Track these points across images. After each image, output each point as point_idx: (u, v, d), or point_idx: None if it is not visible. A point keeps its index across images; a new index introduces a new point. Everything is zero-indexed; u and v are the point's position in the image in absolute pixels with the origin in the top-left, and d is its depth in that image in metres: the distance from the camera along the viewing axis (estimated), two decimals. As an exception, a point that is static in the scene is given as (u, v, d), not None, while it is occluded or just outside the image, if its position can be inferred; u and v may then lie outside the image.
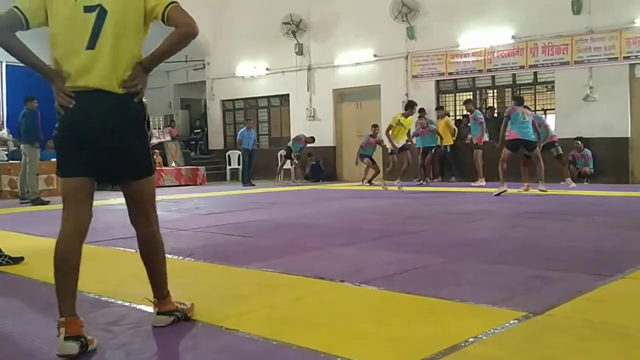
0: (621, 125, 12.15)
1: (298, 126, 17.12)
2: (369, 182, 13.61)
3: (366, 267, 4.26)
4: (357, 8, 15.41)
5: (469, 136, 13.11)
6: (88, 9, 2.55)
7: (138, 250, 2.89)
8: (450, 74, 14.41)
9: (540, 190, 9.90)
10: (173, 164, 16.86)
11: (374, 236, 5.79)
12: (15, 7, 2.58)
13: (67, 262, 2.63)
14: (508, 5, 13.30)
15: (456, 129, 13.95)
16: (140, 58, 2.64)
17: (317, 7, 16.29)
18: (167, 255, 4.88)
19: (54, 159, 13.94)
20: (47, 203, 10.61)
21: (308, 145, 15.88)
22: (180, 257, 4.74)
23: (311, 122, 16.86)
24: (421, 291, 3.44)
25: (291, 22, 16.57)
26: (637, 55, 12.00)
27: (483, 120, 12.58)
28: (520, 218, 6.96)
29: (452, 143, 13.89)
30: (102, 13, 2.55)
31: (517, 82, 13.76)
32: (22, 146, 11.30)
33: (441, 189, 11.80)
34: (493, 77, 14.02)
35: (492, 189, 10.36)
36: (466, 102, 13.18)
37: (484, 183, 12.22)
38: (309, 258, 4.71)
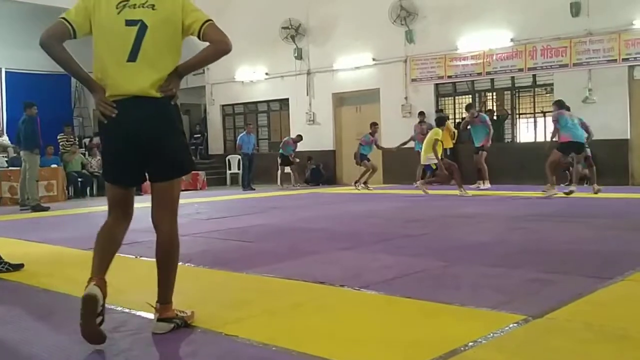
0: (621, 127, 12.15)
1: (298, 130, 17.10)
2: (365, 184, 13.44)
3: (366, 271, 4.26)
4: (355, 12, 15.43)
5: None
6: (130, 23, 2.73)
7: (155, 253, 2.96)
8: (450, 77, 14.42)
9: (596, 191, 10.00)
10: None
11: (373, 240, 5.79)
12: (63, 18, 2.76)
13: (108, 239, 2.91)
14: (506, 8, 13.31)
15: (456, 132, 13.89)
16: (170, 64, 2.81)
17: (315, 11, 16.31)
18: (167, 261, 4.92)
19: (54, 165, 13.96)
20: (47, 209, 10.61)
21: (308, 149, 15.85)
22: (180, 263, 4.69)
23: (311, 126, 16.87)
24: (421, 295, 3.44)
25: (290, 27, 16.59)
26: (636, 57, 12.01)
27: (490, 123, 12.54)
28: (519, 221, 6.96)
29: (451, 146, 13.82)
30: (143, 27, 2.73)
31: (516, 85, 13.76)
32: (21, 153, 11.30)
33: (441, 192, 11.80)
34: (492, 80, 14.02)
35: (497, 192, 10.34)
36: (468, 107, 13.12)
37: (489, 185, 12.19)
38: (308, 262, 4.71)
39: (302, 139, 15.70)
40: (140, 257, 5.18)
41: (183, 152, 2.92)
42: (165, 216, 2.91)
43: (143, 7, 2.75)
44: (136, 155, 2.78)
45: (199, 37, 2.79)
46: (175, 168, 2.89)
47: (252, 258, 5.01)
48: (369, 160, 13.66)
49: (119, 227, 2.94)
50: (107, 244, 2.91)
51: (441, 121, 11.79)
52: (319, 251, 5.21)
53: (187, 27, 2.79)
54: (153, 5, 2.76)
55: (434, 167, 11.77)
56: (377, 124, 13.87)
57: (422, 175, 12.67)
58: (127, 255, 5.26)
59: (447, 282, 3.87)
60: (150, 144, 2.77)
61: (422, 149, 11.65)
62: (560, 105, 10.27)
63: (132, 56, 2.72)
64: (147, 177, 2.90)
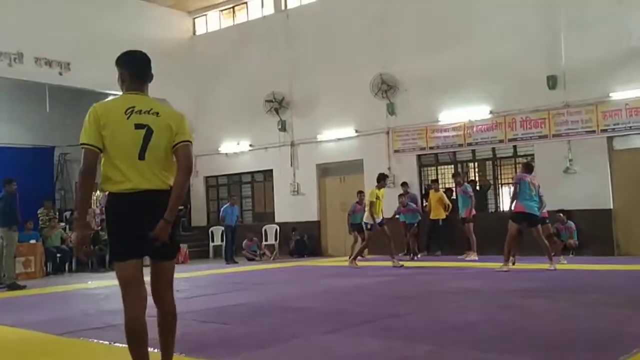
0: (603, 196, 12.22)
1: (282, 201, 17.06)
2: (355, 258, 12.99)
3: (351, 358, 4.07)
4: (337, 85, 15.70)
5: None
6: (138, 127, 3.19)
7: (159, 324, 3.33)
8: (431, 148, 14.56)
9: (551, 268, 9.43)
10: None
11: (359, 320, 5.60)
12: (85, 144, 3.16)
13: (141, 335, 3.20)
14: (485, 81, 13.61)
15: (450, 205, 13.79)
16: (171, 162, 3.30)
17: (298, 85, 16.58)
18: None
19: (33, 240, 13.64)
20: (23, 288, 10.25)
21: (292, 220, 15.67)
22: (153, 349, 4.50)
23: (295, 197, 16.82)
24: (409, 387, 3.25)
25: (274, 100, 16.80)
26: (614, 128, 12.22)
27: (472, 193, 12.59)
28: (507, 297, 6.81)
29: (444, 217, 13.75)
30: (150, 131, 3.20)
31: (498, 155, 13.91)
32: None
33: (426, 264, 11.65)
34: (473, 150, 14.17)
35: (484, 264, 10.20)
36: (455, 175, 13.19)
37: (476, 258, 12.04)
38: (291, 349, 4.50)
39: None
40: (115, 343, 4.92)
41: (177, 236, 3.43)
42: (170, 291, 3.35)
43: (149, 113, 3.23)
44: (144, 236, 3.15)
45: (173, 147, 3.26)
46: (176, 248, 3.39)
47: (232, 343, 4.79)
48: (364, 229, 12.36)
49: (141, 310, 3.18)
50: (140, 337, 3.20)
51: (380, 180, 11.79)
52: (302, 335, 5.01)
53: (176, 135, 3.26)
54: (157, 113, 3.25)
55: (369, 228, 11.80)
56: (362, 192, 13.58)
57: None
58: (100, 341, 5.02)
59: (435, 370, 3.69)
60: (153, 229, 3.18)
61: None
62: (528, 168, 10.14)
63: (142, 155, 3.17)
64: (151, 257, 3.26)
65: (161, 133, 3.22)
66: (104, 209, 3.48)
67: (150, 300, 3.26)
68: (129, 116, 3.19)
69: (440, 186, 14.11)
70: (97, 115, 3.17)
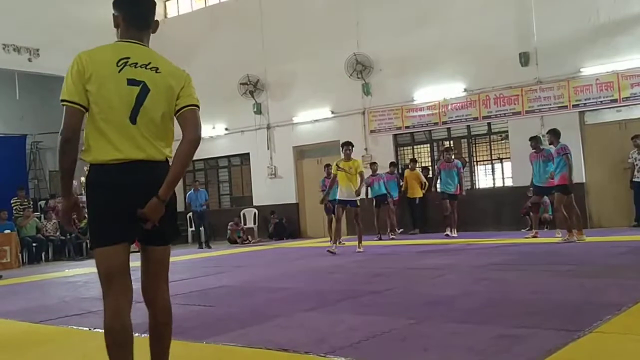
0: (576, 171, 12.36)
1: (259, 184, 17.05)
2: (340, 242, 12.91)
3: (331, 334, 4.12)
4: (312, 67, 15.65)
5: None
6: (132, 82, 2.59)
7: (150, 327, 2.77)
8: (407, 127, 14.64)
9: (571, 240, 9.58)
10: (132, 229, 16.43)
11: (338, 298, 5.66)
12: (66, 101, 2.57)
13: (125, 340, 2.59)
14: (458, 60, 13.69)
15: (427, 183, 13.92)
16: (169, 131, 2.72)
17: (273, 67, 16.49)
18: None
19: (7, 230, 13.50)
20: (0, 277, 10.15)
21: (271, 203, 15.70)
22: (136, 334, 4.50)
23: (272, 179, 16.81)
24: (389, 359, 3.31)
25: (248, 83, 16.71)
26: (585, 103, 12.42)
27: (463, 170, 12.60)
28: (483, 270, 6.93)
29: (421, 195, 13.87)
30: (145, 90, 2.60)
31: (472, 133, 14.04)
32: None
33: (404, 242, 11.77)
34: (449, 129, 14.29)
35: (455, 240, 10.31)
36: (447, 150, 12.70)
37: (456, 234, 12.10)
38: (272, 327, 4.54)
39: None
40: (95, 329, 4.92)
41: (174, 217, 2.80)
42: (163, 285, 2.76)
43: (146, 68, 2.63)
44: (135, 217, 2.57)
45: (176, 112, 2.70)
46: (174, 231, 2.82)
47: (213, 325, 4.80)
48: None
49: (126, 306, 2.61)
50: (124, 343, 2.58)
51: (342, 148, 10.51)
52: (282, 314, 5.04)
53: (179, 99, 2.70)
54: (157, 69, 2.66)
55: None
56: (330, 165, 13.17)
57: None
58: (80, 327, 5.00)
59: (415, 343, 3.76)
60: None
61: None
62: (558, 135, 9.82)
63: (133, 118, 2.58)
64: (142, 242, 2.72)
65: (159, 94, 2.63)
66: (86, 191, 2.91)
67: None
68: (122, 69, 2.58)
69: (417, 165, 14.22)
70: (82, 66, 2.57)
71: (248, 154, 17.49)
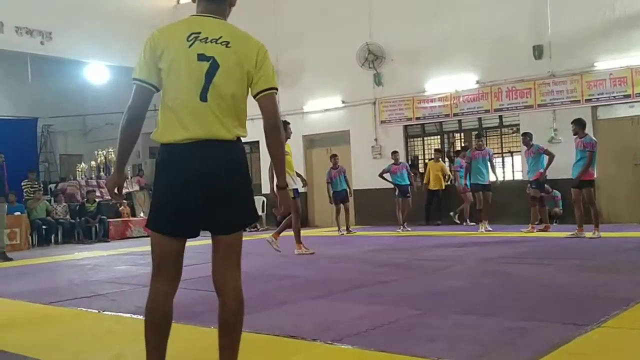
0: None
1: (268, 172, 17.05)
2: (347, 229, 12.99)
3: (338, 322, 4.14)
4: (324, 56, 15.60)
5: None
6: (201, 58, 2.47)
7: (220, 317, 2.70)
8: (418, 118, 14.59)
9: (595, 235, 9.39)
10: (142, 214, 16.55)
11: (345, 287, 5.67)
12: (136, 80, 2.51)
13: (162, 325, 2.57)
14: (471, 51, 13.60)
15: (450, 175, 13.89)
16: (241, 111, 2.59)
17: (284, 55, 16.44)
18: (130, 315, 4.73)
19: (17, 213, 13.51)
20: (10, 259, 10.23)
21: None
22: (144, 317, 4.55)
23: (281, 168, 16.80)
24: (395, 348, 3.33)
25: (259, 70, 16.66)
26: (598, 98, 12.31)
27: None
28: (491, 263, 6.92)
29: (443, 188, 13.85)
30: (215, 66, 2.48)
31: (484, 126, 13.97)
32: None
33: (414, 234, 11.76)
34: (460, 121, 14.23)
35: (458, 232, 10.28)
36: (478, 136, 12.16)
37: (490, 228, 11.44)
38: (279, 314, 4.56)
39: None
40: (104, 311, 4.97)
41: (252, 200, 2.65)
42: (235, 274, 2.65)
43: (216, 42, 2.49)
44: (204, 203, 2.47)
45: (254, 95, 2.59)
46: (249, 216, 2.64)
47: (221, 310, 4.83)
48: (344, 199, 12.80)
49: (170, 294, 2.57)
50: (164, 325, 2.58)
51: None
52: (289, 301, 5.07)
53: (255, 78, 2.57)
54: (227, 43, 2.51)
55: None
56: (336, 155, 13.28)
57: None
58: (89, 310, 5.05)
59: (421, 333, 3.77)
60: (225, 192, 2.50)
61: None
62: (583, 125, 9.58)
63: (203, 95, 2.46)
64: (212, 229, 2.60)
65: (229, 71, 2.49)
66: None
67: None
68: (192, 44, 2.46)
69: (423, 158, 14.17)
70: (155, 43, 2.48)
71: (258, 142, 17.44)
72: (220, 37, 2.51)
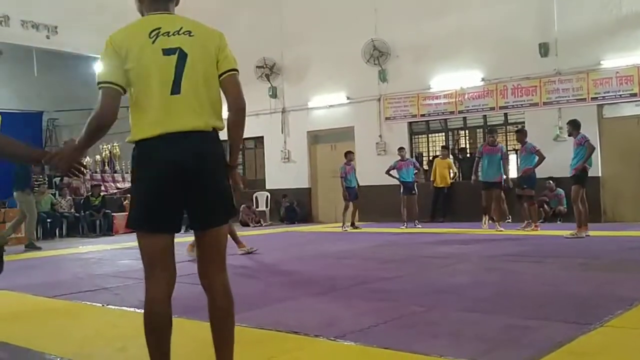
0: (592, 164, 12.27)
1: (273, 168, 17.08)
2: (352, 224, 13.06)
3: (341, 318, 4.14)
4: (329, 51, 15.57)
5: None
6: (167, 52, 2.47)
7: (210, 315, 2.63)
8: (423, 115, 14.56)
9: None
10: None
11: (349, 283, 5.68)
12: (102, 83, 2.46)
13: (162, 328, 2.52)
14: (477, 48, 13.55)
15: (457, 172, 13.89)
16: (214, 96, 2.57)
17: (290, 51, 16.43)
18: (134, 309, 4.74)
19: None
20: (39, 248, 10.75)
21: (283, 187, 15.76)
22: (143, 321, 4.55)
23: (286, 164, 16.83)
24: (398, 345, 3.33)
25: (265, 66, 16.67)
26: (604, 96, 12.26)
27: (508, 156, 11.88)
28: (494, 261, 6.91)
29: (449, 185, 13.83)
30: (182, 56, 2.48)
31: (489, 123, 13.93)
32: (14, 194, 11.20)
33: (412, 230, 11.75)
34: (464, 118, 14.19)
35: (466, 230, 10.28)
36: (491, 131, 12.00)
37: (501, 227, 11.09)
38: (282, 310, 4.57)
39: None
40: (108, 305, 4.99)
41: (231, 193, 2.60)
42: (220, 268, 2.58)
43: (179, 34, 2.50)
44: (184, 197, 2.45)
45: (219, 76, 2.58)
46: (229, 209, 2.59)
47: (224, 305, 4.84)
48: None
49: (167, 296, 2.51)
50: (164, 329, 2.52)
51: None
52: (293, 297, 5.08)
53: (219, 61, 2.57)
54: (190, 32, 2.52)
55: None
56: (352, 152, 13.45)
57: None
58: (93, 303, 5.07)
59: (424, 330, 3.77)
60: (205, 184, 2.46)
61: None
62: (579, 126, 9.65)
63: (176, 88, 2.44)
64: (194, 224, 2.55)
65: (198, 57, 2.50)
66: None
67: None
68: (155, 39, 2.46)
69: (427, 155, 14.16)
70: (117, 45, 2.45)
71: (262, 137, 17.50)
72: (181, 28, 2.53)
